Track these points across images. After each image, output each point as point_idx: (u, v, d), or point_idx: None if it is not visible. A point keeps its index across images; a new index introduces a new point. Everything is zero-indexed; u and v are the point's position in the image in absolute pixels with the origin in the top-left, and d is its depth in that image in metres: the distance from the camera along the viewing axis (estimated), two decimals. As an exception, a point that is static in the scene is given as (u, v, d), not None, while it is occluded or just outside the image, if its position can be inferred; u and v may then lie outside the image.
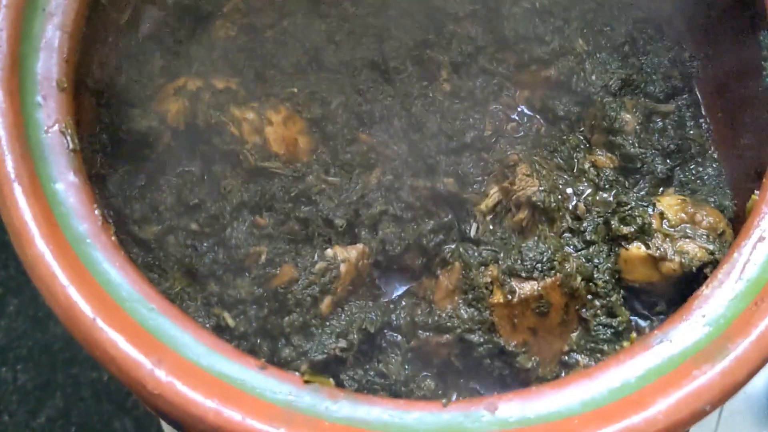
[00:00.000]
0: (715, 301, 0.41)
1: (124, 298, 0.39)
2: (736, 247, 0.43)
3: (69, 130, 0.44)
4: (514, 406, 0.38)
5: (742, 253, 0.42)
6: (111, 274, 0.40)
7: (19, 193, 0.39)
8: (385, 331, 0.55)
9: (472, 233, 0.57)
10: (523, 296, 0.52)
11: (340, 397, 0.38)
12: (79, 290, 0.38)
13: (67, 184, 0.42)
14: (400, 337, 0.55)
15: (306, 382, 0.38)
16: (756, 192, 0.46)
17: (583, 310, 0.54)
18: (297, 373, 0.39)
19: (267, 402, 0.37)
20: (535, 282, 0.52)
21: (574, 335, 0.54)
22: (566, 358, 0.54)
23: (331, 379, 0.40)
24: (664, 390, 0.37)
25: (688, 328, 0.40)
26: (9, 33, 0.44)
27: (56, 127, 0.44)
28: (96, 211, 0.42)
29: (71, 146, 0.43)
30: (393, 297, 0.58)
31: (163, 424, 0.72)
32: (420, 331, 0.53)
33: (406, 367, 0.54)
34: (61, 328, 0.76)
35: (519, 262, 0.53)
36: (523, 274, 0.52)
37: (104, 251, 0.40)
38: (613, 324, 0.53)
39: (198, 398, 0.36)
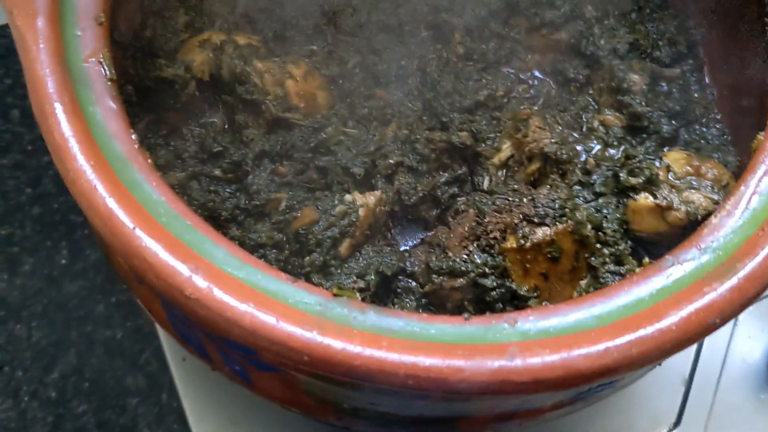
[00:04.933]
0: (723, 229, 0.43)
1: (161, 214, 0.40)
2: (743, 181, 0.45)
3: (106, 61, 0.45)
4: (533, 321, 0.40)
5: (749, 186, 0.44)
6: (148, 192, 0.41)
7: (60, 111, 0.41)
8: (400, 277, 0.57)
9: (485, 185, 0.59)
10: (535, 241, 0.54)
11: (368, 309, 0.40)
12: (119, 203, 0.39)
13: (105, 109, 0.44)
14: (414, 283, 0.57)
15: (335, 294, 0.40)
16: (761, 133, 0.48)
17: (593, 258, 0.55)
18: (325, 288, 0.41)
19: (299, 310, 0.38)
20: (548, 228, 0.54)
21: (583, 282, 0.56)
22: (575, 304, 0.55)
23: (358, 294, 0.41)
24: (676, 305, 0.39)
25: (698, 253, 0.42)
26: (49, -33, 0.45)
27: (94, 58, 0.45)
28: (133, 136, 0.43)
29: (108, 75, 0.45)
30: (407, 247, 0.60)
31: (176, 380, 0.73)
32: (434, 276, 0.55)
33: (420, 311, 0.55)
34: (76, 287, 0.78)
35: (532, 208, 0.55)
36: (536, 220, 0.54)
37: (142, 171, 0.42)
38: (621, 272, 0.55)
39: (234, 303, 0.37)
